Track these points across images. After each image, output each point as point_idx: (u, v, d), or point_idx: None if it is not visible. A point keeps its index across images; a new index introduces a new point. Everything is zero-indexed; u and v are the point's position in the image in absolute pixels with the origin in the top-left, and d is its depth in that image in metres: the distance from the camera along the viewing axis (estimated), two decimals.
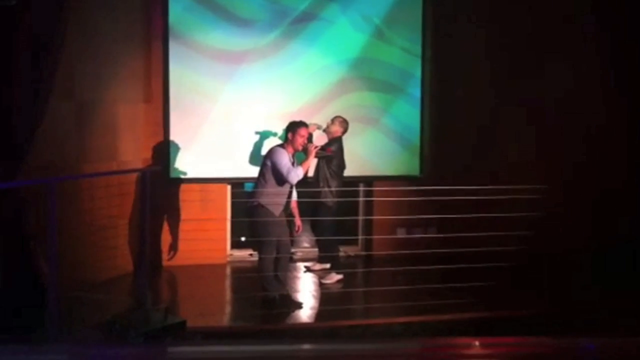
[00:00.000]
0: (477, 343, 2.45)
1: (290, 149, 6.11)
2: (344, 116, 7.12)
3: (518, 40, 7.60)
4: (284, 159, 5.98)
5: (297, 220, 6.44)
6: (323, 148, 6.67)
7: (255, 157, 7.46)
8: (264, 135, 7.52)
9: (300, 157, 6.33)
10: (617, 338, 2.53)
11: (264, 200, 5.95)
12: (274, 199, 5.98)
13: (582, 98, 7.38)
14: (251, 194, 6.23)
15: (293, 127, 6.15)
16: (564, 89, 7.38)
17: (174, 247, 7.43)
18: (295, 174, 5.96)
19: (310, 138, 6.61)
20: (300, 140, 6.09)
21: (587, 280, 6.95)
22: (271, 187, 5.98)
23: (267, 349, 2.53)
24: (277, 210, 6.02)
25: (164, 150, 7.37)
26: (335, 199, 6.84)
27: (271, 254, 6.01)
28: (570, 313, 5.84)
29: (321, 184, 6.76)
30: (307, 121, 6.91)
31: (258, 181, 6.13)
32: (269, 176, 6.01)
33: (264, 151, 7.32)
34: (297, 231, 6.49)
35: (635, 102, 7.24)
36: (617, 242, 7.06)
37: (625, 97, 7.28)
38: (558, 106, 7.45)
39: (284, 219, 6.14)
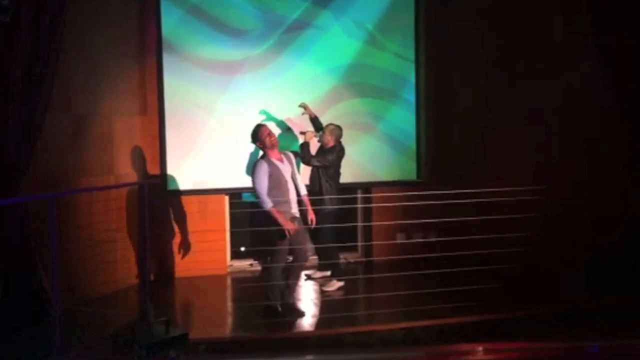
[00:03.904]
0: (481, 349, 2.45)
1: (271, 154, 5.98)
2: (340, 123, 7.11)
3: (513, 44, 7.61)
4: (259, 178, 5.83)
5: (310, 214, 6.33)
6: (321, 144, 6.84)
7: (250, 166, 7.45)
8: None
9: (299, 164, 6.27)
10: (621, 340, 2.54)
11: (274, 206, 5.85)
12: (282, 207, 5.91)
13: (581, 97, 7.36)
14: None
15: (254, 135, 6.01)
16: (562, 91, 7.36)
17: (182, 250, 7.42)
18: (265, 205, 5.81)
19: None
20: (269, 139, 5.96)
21: (588, 282, 6.96)
22: (277, 194, 5.88)
23: None
24: (287, 211, 5.96)
25: (161, 163, 7.38)
26: (336, 207, 6.84)
27: (282, 261, 5.98)
28: (572, 314, 5.85)
29: (324, 193, 6.76)
30: (304, 129, 6.96)
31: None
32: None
33: None
34: (312, 223, 6.37)
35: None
36: (617, 246, 7.02)
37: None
38: (555, 107, 7.44)
39: (302, 226, 6.08)
